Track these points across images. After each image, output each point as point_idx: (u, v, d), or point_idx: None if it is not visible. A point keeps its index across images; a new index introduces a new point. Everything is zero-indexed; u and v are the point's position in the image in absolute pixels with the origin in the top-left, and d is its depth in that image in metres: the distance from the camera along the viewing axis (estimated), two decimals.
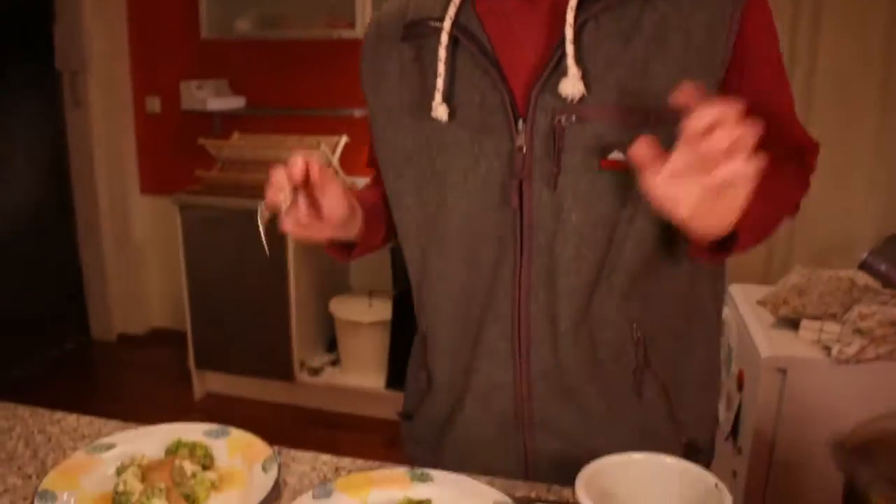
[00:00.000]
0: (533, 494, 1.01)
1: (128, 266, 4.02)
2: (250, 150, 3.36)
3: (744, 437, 2.10)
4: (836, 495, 0.93)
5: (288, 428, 3.18)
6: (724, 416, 2.27)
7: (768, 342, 1.95)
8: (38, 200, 4.51)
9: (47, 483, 1.00)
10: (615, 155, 0.93)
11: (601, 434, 1.04)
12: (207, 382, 3.51)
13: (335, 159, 3.25)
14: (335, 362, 3.41)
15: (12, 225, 4.32)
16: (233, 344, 3.35)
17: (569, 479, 0.95)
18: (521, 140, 0.96)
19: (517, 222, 0.98)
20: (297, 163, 0.88)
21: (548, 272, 0.98)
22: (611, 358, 1.02)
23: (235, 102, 3.64)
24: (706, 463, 1.10)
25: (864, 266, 2.29)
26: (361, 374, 3.29)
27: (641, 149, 0.77)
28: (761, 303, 2.06)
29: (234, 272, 3.25)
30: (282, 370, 3.29)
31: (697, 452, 1.09)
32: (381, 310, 3.14)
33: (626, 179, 0.93)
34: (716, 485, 0.84)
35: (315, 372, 3.33)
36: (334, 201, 0.95)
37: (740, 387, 2.16)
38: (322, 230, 0.97)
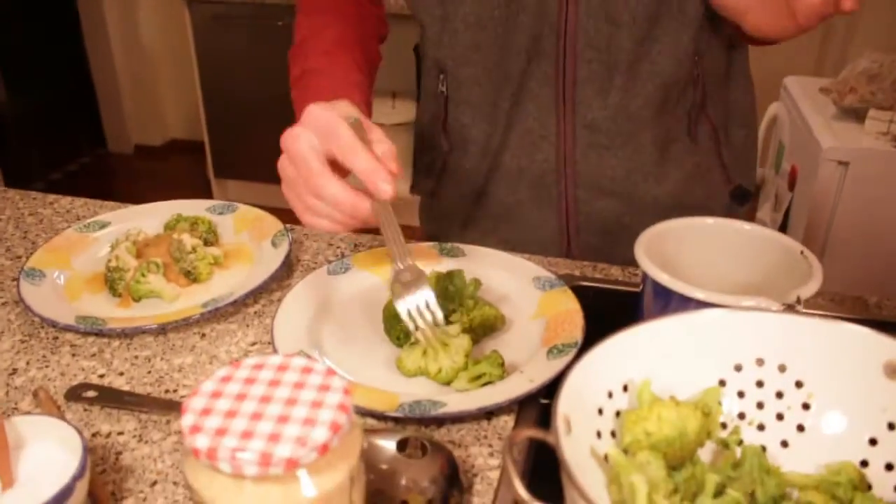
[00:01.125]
0: (577, 272, 0.89)
1: (140, 75, 3.83)
2: None
3: (793, 238, 1.98)
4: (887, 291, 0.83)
5: None
6: (772, 216, 2.13)
7: (830, 133, 1.78)
8: (40, 12, 4.26)
9: (34, 261, 0.90)
10: None
11: (652, 185, 0.95)
12: (228, 191, 3.42)
13: None
14: None
15: (16, 39, 4.12)
16: (252, 150, 3.22)
17: (613, 247, 0.83)
18: None
19: None
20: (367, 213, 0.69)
21: (601, 1, 0.83)
22: (673, 98, 0.90)
23: None
24: (753, 207, 1.05)
25: None
26: None
27: None
28: (825, 90, 1.87)
29: (250, 75, 3.07)
30: None
31: (744, 199, 1.03)
32: (405, 110, 2.95)
33: None
34: (801, 252, 0.71)
35: None
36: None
37: (792, 185, 2.00)
38: None
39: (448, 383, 0.70)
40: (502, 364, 0.71)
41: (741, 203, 1.03)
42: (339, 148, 0.67)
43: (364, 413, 0.66)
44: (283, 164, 0.71)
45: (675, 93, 0.90)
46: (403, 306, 0.69)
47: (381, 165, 0.67)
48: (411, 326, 0.69)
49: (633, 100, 0.88)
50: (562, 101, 0.89)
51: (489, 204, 1.00)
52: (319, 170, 0.68)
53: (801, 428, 0.56)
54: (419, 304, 0.68)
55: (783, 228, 2.04)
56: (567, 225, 0.97)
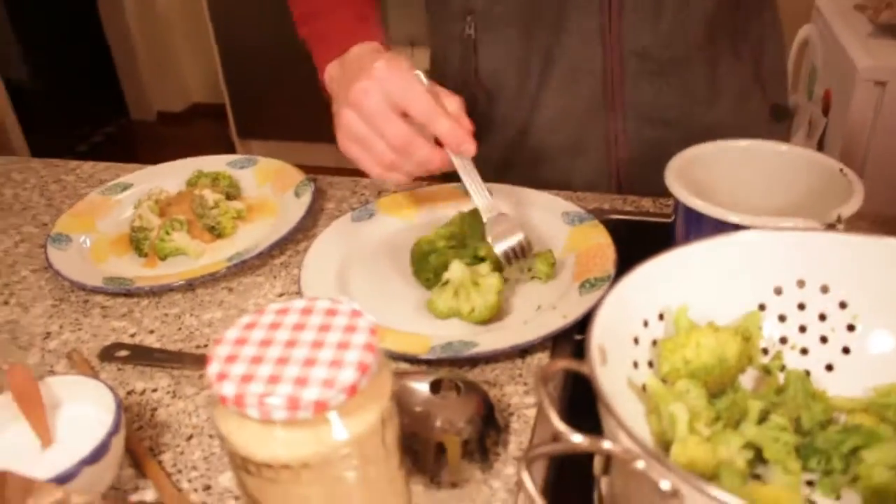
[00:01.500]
0: (607, 206, 0.87)
1: (157, 41, 3.81)
2: None
3: None
4: None
5: None
6: (806, 145, 2.07)
7: (866, 53, 1.71)
8: None
9: (60, 226, 0.90)
10: None
11: (704, 110, 0.92)
12: (252, 152, 3.40)
13: None
14: None
15: (33, 17, 4.12)
16: (274, 110, 3.20)
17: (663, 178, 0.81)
18: None
19: None
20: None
21: None
22: (721, 17, 0.87)
23: None
24: (787, 129, 1.04)
25: None
26: None
27: None
28: (860, 7, 1.79)
29: (267, 33, 3.03)
30: (326, 132, 3.14)
31: (782, 117, 1.00)
32: (424, 59, 2.90)
33: None
34: (841, 170, 0.68)
35: None
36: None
37: (826, 110, 1.94)
38: None
39: (482, 322, 0.69)
40: (553, 264, 0.73)
41: (779, 120, 1.00)
42: (419, 111, 0.68)
43: (396, 357, 0.65)
44: (351, 118, 0.70)
45: (724, 13, 0.87)
46: (501, 248, 0.72)
47: (460, 126, 0.69)
48: (506, 264, 0.73)
49: (686, 23, 0.85)
50: (608, 31, 0.85)
51: (528, 147, 0.97)
52: (407, 130, 0.68)
53: (846, 350, 0.54)
54: (514, 246, 0.72)
55: None
56: (616, 159, 0.94)
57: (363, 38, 0.76)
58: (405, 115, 0.68)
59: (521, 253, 0.72)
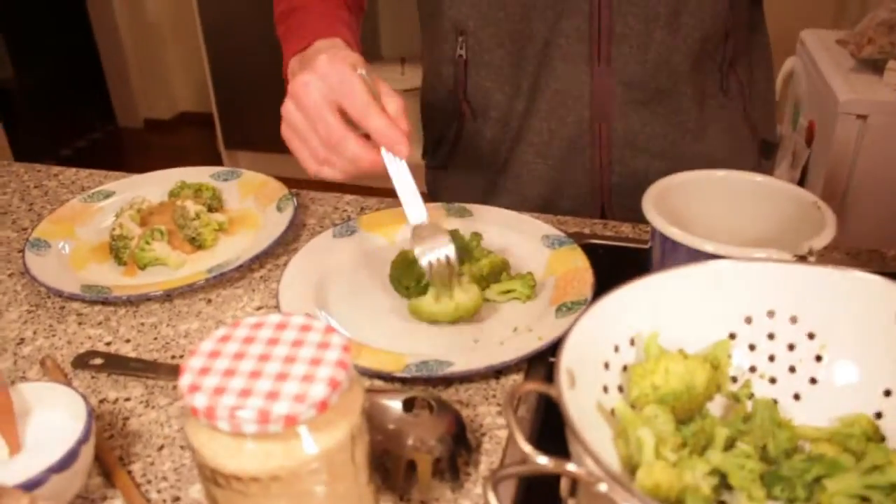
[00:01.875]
0: (587, 230, 0.88)
1: (146, 48, 3.81)
2: None
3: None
4: None
5: None
6: (789, 175, 2.10)
7: (848, 86, 1.74)
8: None
9: (39, 232, 0.89)
10: None
11: (690, 143, 0.93)
12: (239, 162, 3.41)
13: None
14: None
15: (22, 17, 4.11)
16: (262, 121, 3.19)
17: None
18: None
19: None
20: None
21: None
22: (709, 51, 0.88)
23: None
24: (772, 165, 1.07)
25: None
26: None
27: None
28: (842, 42, 1.82)
29: (257, 44, 3.04)
30: None
31: (770, 153, 1.02)
32: (415, 77, 2.92)
33: None
34: (815, 203, 0.70)
35: None
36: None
37: (809, 141, 1.97)
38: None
39: (468, 315, 0.71)
40: (533, 286, 0.74)
41: (767, 157, 1.02)
42: (354, 107, 0.67)
43: (371, 374, 0.65)
44: (290, 110, 0.70)
45: (711, 46, 0.88)
46: (425, 259, 0.70)
47: (395, 126, 0.67)
48: (433, 278, 0.71)
49: (674, 54, 0.86)
50: (596, 58, 0.86)
51: (515, 171, 0.97)
52: (338, 126, 0.67)
53: (813, 380, 0.54)
54: (440, 257, 0.70)
55: (801, 185, 2.00)
56: (601, 187, 0.95)
57: (329, 35, 0.76)
58: (343, 112, 0.68)
59: (446, 266, 0.70)
